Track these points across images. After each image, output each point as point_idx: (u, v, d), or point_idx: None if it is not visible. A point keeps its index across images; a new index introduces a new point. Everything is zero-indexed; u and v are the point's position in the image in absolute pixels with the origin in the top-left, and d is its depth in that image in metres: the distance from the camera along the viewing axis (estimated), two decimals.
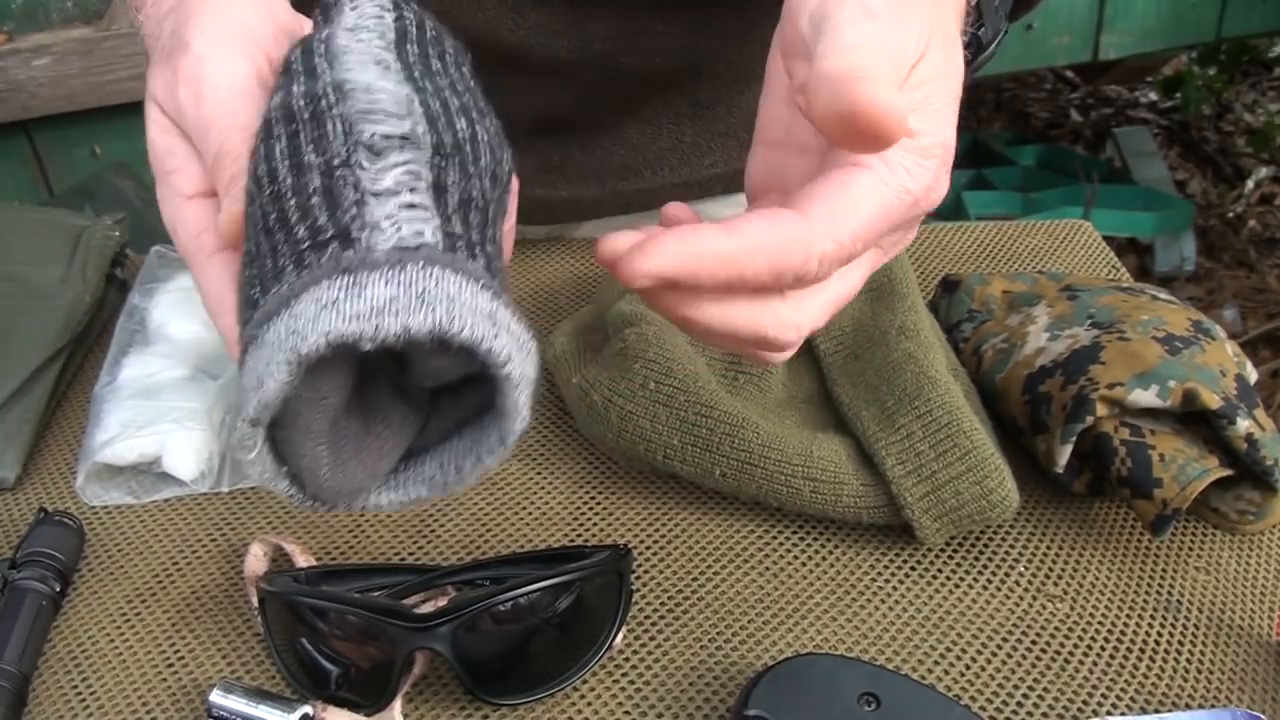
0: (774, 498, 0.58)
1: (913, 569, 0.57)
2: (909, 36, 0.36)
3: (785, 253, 0.33)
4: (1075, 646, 0.52)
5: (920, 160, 0.36)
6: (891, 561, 0.57)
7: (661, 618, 0.54)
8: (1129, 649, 0.52)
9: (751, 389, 0.63)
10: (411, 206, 0.32)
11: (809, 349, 0.66)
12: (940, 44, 0.37)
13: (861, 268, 0.38)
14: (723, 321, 0.35)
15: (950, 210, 2.33)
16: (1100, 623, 0.54)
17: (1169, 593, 0.56)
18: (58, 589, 0.55)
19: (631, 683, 0.51)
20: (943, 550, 0.58)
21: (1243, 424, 0.54)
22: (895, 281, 0.65)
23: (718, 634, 0.53)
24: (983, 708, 0.49)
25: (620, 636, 0.52)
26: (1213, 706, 0.50)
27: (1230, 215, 2.56)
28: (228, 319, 0.37)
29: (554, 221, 0.82)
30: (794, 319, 0.36)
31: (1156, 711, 0.49)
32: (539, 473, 0.63)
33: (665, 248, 0.32)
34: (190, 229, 0.40)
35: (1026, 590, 0.55)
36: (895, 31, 0.35)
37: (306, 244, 0.32)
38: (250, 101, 0.39)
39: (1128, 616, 0.54)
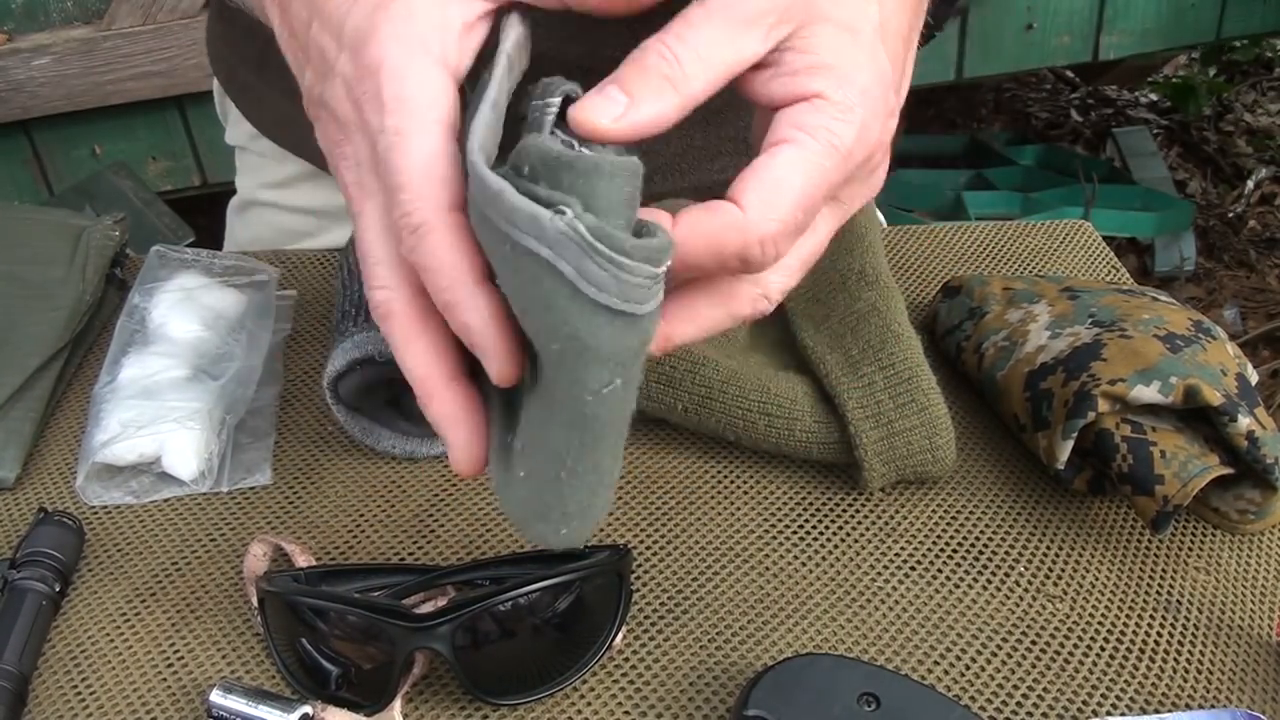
0: (731, 431, 0.62)
1: (913, 569, 0.57)
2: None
3: (722, 239, 0.36)
4: (1075, 646, 0.52)
5: (838, 115, 0.38)
6: (891, 561, 0.57)
7: (661, 618, 0.54)
8: (1129, 649, 0.52)
9: (719, 336, 0.65)
10: None
11: None
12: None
13: (823, 227, 0.41)
14: (693, 316, 0.39)
15: (950, 210, 2.33)
16: (1100, 623, 0.54)
17: (1169, 592, 0.55)
18: (58, 589, 0.55)
19: (631, 683, 0.51)
20: (943, 550, 0.58)
21: (1244, 421, 0.54)
22: (852, 222, 0.67)
23: (718, 634, 0.53)
24: (983, 708, 0.49)
25: (620, 636, 0.52)
26: (1213, 706, 0.50)
27: (1230, 215, 2.56)
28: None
29: None
30: (757, 291, 0.39)
31: (1156, 711, 0.49)
32: None
33: None
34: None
35: (1026, 590, 0.55)
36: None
37: None
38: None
39: (1128, 616, 0.54)
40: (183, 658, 0.52)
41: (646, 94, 0.37)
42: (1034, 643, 0.53)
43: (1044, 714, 0.49)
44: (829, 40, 0.39)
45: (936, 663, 0.52)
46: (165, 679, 0.51)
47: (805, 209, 0.37)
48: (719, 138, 0.79)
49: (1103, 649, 0.52)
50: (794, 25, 0.39)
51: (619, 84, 0.37)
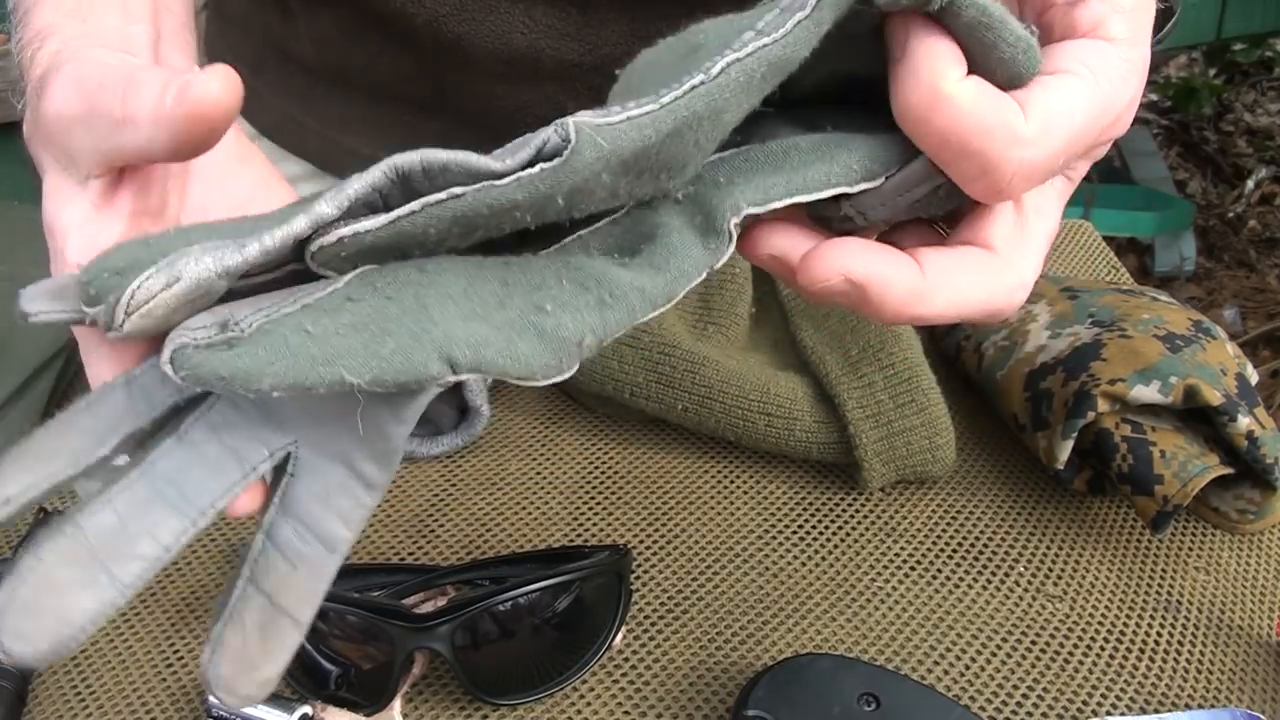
0: (731, 431, 0.62)
1: (913, 569, 0.57)
2: None
3: (988, 147, 0.32)
4: (1075, 646, 0.52)
5: (1123, 70, 0.34)
6: (891, 561, 0.57)
7: (661, 618, 0.54)
8: (1129, 649, 0.52)
9: (719, 336, 0.66)
10: None
11: (774, 295, 0.69)
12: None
13: (1055, 207, 0.37)
14: (952, 306, 0.34)
15: None
16: (1100, 623, 0.54)
17: (1169, 592, 0.55)
18: None
19: (631, 683, 0.51)
20: (943, 550, 0.58)
21: (1243, 421, 0.54)
22: None
23: (717, 634, 0.53)
24: (982, 708, 0.49)
25: (620, 636, 0.52)
26: (1213, 706, 0.50)
27: (1230, 215, 2.56)
28: None
29: None
30: (1016, 279, 0.35)
31: (1156, 711, 0.49)
32: (539, 473, 0.63)
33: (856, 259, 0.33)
34: None
35: (1026, 590, 0.55)
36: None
37: None
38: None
39: (1128, 616, 0.54)
40: (182, 658, 0.52)
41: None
42: (1034, 643, 0.53)
43: (1044, 714, 0.49)
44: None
45: (936, 663, 0.52)
46: (165, 679, 0.51)
47: (1070, 151, 0.34)
48: None
49: (1103, 649, 0.52)
50: None
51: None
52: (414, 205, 0.28)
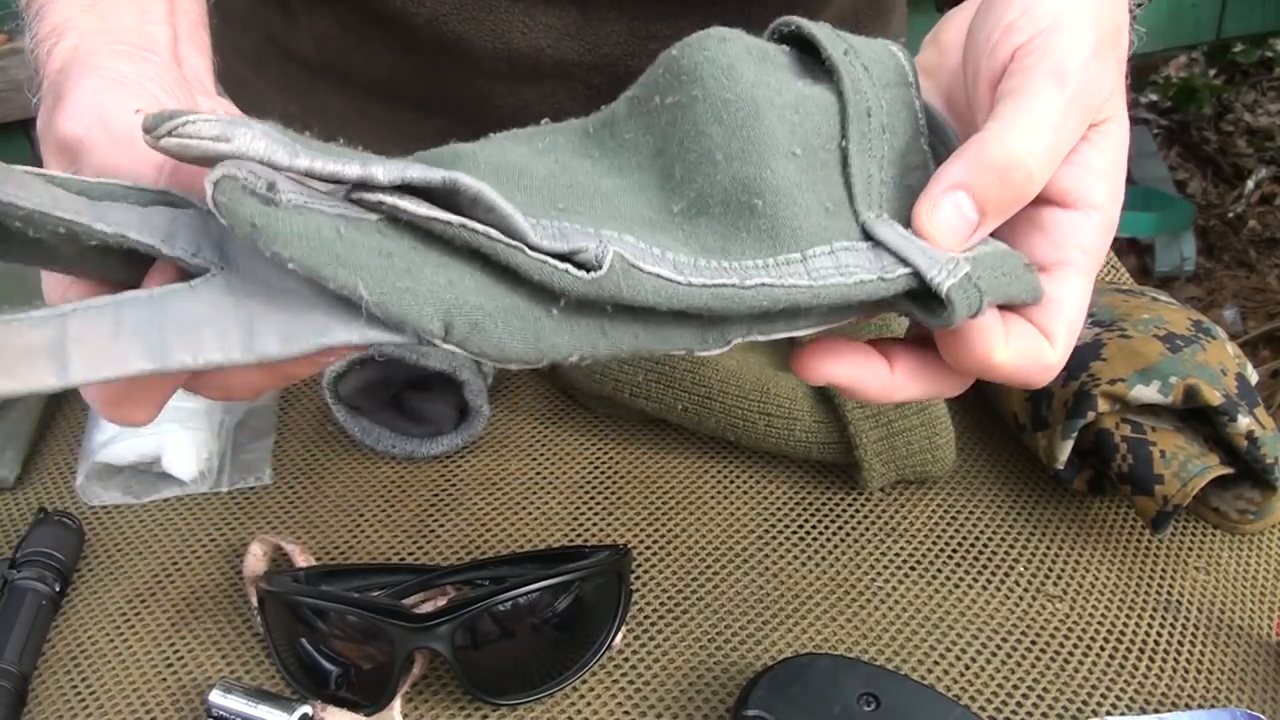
0: (731, 431, 0.62)
1: (913, 569, 0.57)
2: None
3: (1033, 375, 0.37)
4: (1075, 646, 0.52)
5: (1105, 230, 0.38)
6: (891, 561, 0.57)
7: (661, 618, 0.54)
8: (1129, 649, 0.52)
9: None
10: None
11: None
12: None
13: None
14: (921, 395, 0.39)
15: None
16: (1100, 623, 0.54)
17: (1169, 592, 0.55)
18: (57, 589, 0.55)
19: (631, 683, 0.51)
20: (943, 550, 0.58)
21: (1243, 421, 0.54)
22: None
23: (717, 634, 0.53)
24: (982, 708, 0.49)
25: (620, 636, 0.52)
26: (1213, 706, 0.50)
27: (1230, 215, 2.56)
28: None
29: None
30: (1052, 361, 0.38)
31: (1156, 711, 0.49)
32: (539, 473, 0.63)
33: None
34: None
35: (1026, 590, 0.55)
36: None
37: None
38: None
39: (1128, 616, 0.54)
40: (182, 658, 0.52)
41: (1000, 213, 0.36)
42: (1034, 643, 0.53)
43: (1044, 714, 0.49)
44: (1118, 140, 0.38)
45: (936, 663, 0.52)
46: (165, 679, 0.51)
47: (1076, 334, 0.38)
48: None
49: (1103, 649, 0.52)
50: (1101, 119, 0.38)
51: (973, 195, 0.35)
52: (453, 218, 0.30)
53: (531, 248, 0.30)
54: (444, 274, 0.30)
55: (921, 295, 0.35)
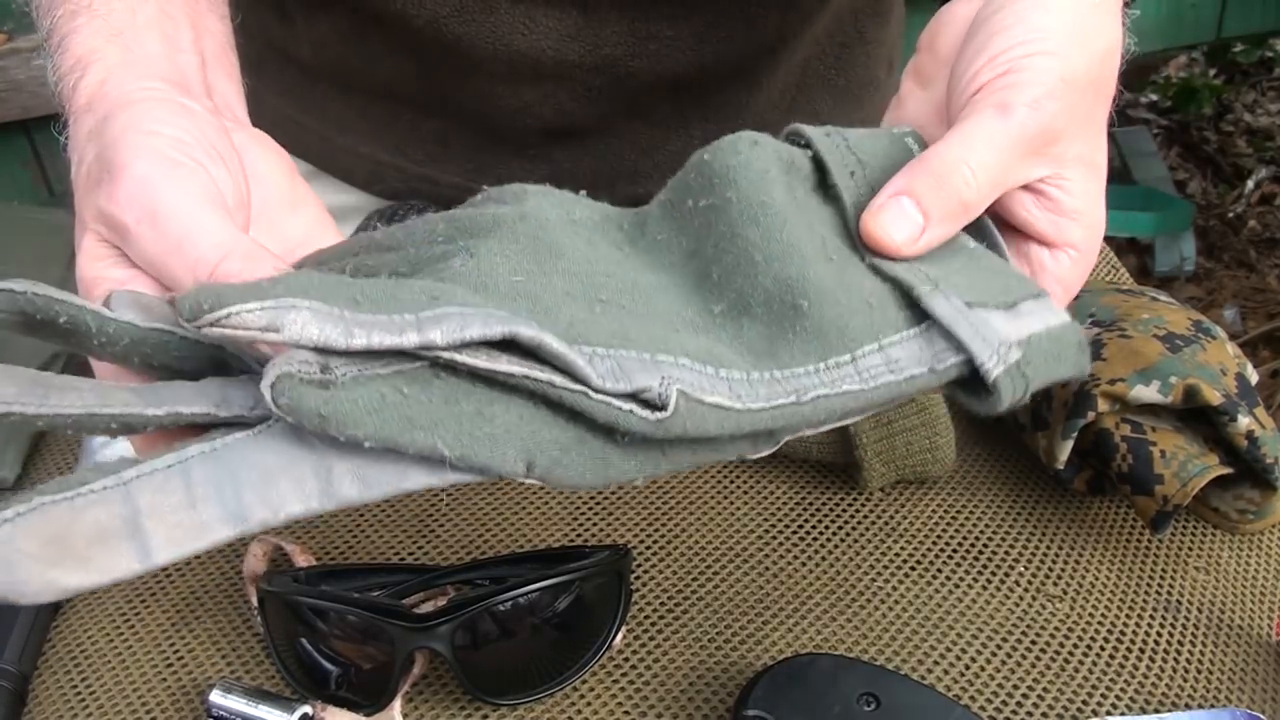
0: None
1: (913, 569, 0.57)
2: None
3: None
4: (1075, 646, 0.52)
5: (1081, 268, 0.41)
6: (891, 561, 0.57)
7: (661, 618, 0.54)
8: (1129, 649, 0.52)
9: None
10: None
11: None
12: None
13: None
14: None
15: None
16: (1100, 623, 0.54)
17: (1169, 592, 0.55)
18: None
19: (631, 683, 0.51)
20: (943, 550, 0.58)
21: (1243, 421, 0.54)
22: None
23: (717, 634, 0.53)
24: (982, 708, 0.49)
25: (620, 636, 0.52)
26: (1213, 706, 0.50)
27: (1230, 215, 2.56)
28: None
29: None
30: None
31: (1156, 711, 0.49)
32: None
33: None
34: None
35: (1026, 590, 0.55)
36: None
37: None
38: (219, 214, 0.36)
39: (1128, 616, 0.54)
40: (182, 658, 0.52)
41: (943, 217, 0.37)
42: (1034, 643, 0.53)
43: (1044, 714, 0.49)
44: (1084, 184, 0.40)
45: (936, 663, 0.52)
46: (165, 679, 0.51)
47: None
48: (719, 135, 0.78)
49: (1103, 649, 0.52)
50: (1060, 164, 0.39)
51: (914, 197, 0.37)
52: (515, 370, 0.30)
53: (595, 390, 0.31)
54: (514, 409, 0.31)
55: (968, 380, 0.35)
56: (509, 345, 0.30)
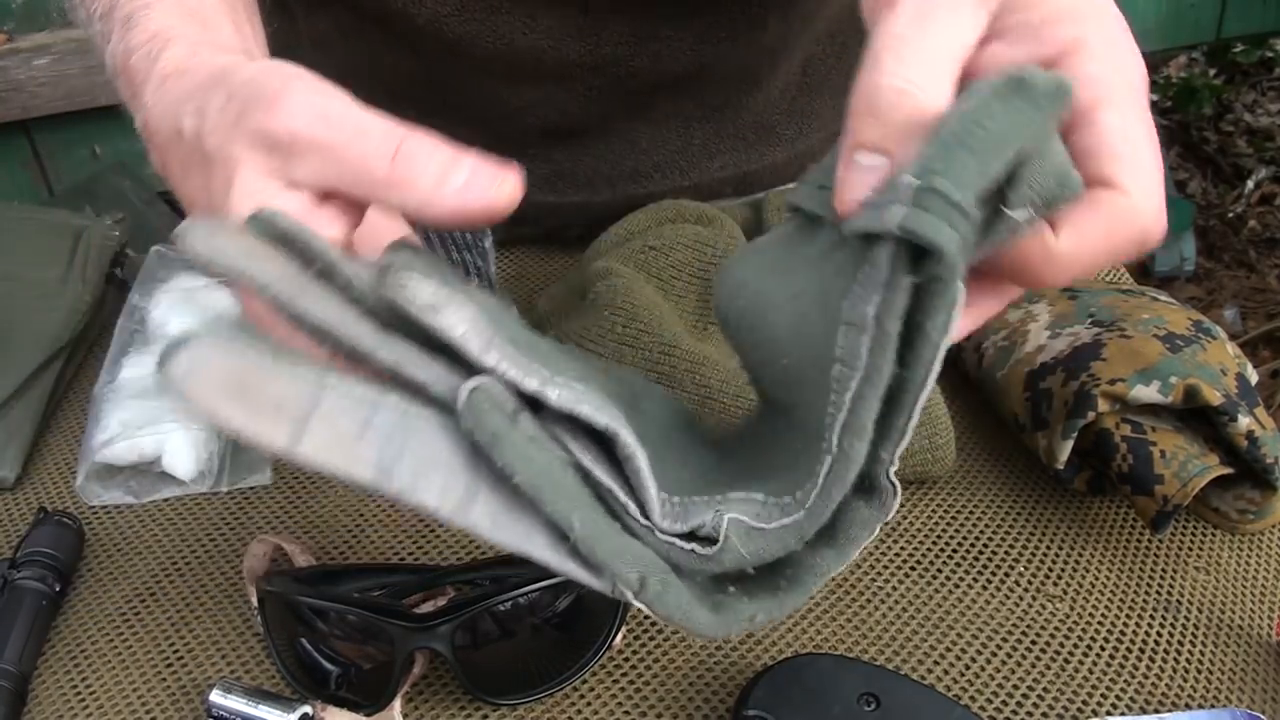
0: None
1: (913, 569, 0.57)
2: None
3: (1118, 234, 0.33)
4: (1075, 646, 0.52)
5: (1111, 53, 0.34)
6: (891, 561, 0.57)
7: None
8: (1129, 649, 0.52)
9: (720, 336, 0.66)
10: None
11: None
12: None
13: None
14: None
15: None
16: (1100, 623, 0.54)
17: (1169, 592, 0.55)
18: (57, 589, 0.55)
19: (631, 683, 0.51)
20: (943, 550, 0.58)
21: (1244, 421, 0.54)
22: None
23: None
24: (982, 708, 0.49)
25: (620, 636, 0.52)
26: (1213, 706, 0.50)
27: (1230, 215, 2.56)
28: None
29: (564, 226, 0.82)
30: (1142, 209, 0.33)
31: (1156, 711, 0.49)
32: None
33: None
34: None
35: (1026, 590, 0.55)
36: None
37: None
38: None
39: (1128, 616, 0.54)
40: (182, 658, 0.52)
41: (901, 138, 0.31)
42: (1034, 643, 0.53)
43: (1044, 714, 0.49)
44: (1099, 34, 0.33)
45: (936, 663, 0.52)
46: (165, 679, 0.51)
47: (1159, 167, 0.33)
48: (718, 135, 0.79)
49: (1103, 649, 0.52)
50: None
51: (864, 142, 0.32)
52: (608, 482, 0.32)
53: (660, 530, 0.33)
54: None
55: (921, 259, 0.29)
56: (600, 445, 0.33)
